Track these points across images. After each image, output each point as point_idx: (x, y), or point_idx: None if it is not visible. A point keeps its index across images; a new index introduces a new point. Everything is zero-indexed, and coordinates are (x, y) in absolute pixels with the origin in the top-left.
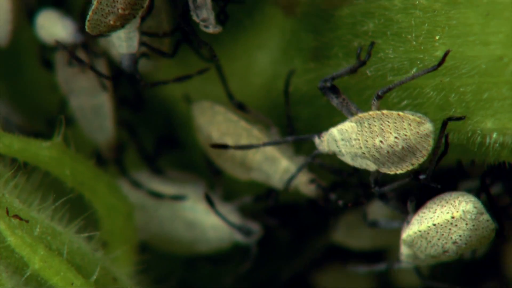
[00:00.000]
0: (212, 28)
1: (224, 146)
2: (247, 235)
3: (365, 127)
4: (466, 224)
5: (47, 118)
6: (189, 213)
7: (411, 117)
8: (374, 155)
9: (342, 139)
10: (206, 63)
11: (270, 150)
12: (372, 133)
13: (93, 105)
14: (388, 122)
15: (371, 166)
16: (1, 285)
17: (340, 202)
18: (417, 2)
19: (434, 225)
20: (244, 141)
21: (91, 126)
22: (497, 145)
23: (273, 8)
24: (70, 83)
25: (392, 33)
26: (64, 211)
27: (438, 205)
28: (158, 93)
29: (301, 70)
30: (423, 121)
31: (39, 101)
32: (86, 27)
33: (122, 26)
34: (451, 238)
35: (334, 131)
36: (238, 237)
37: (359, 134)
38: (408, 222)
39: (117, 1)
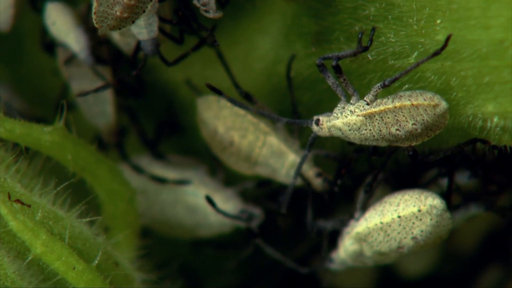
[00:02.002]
0: (212, 13)
1: (218, 92)
2: (249, 220)
3: (376, 119)
4: (431, 219)
5: (49, 103)
6: (191, 198)
7: (425, 103)
8: (389, 139)
9: (350, 130)
10: (207, 48)
11: (277, 144)
12: (386, 124)
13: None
14: (403, 113)
15: (383, 144)
16: (3, 270)
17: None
18: None
19: (399, 217)
20: (251, 135)
21: (92, 111)
22: (498, 129)
23: None
24: (71, 67)
25: (393, 17)
26: (65, 196)
27: (400, 200)
28: (159, 78)
29: (302, 55)
30: (437, 102)
31: (41, 86)
32: (94, 20)
33: (132, 20)
34: (412, 232)
35: (339, 123)
36: (240, 223)
37: (369, 125)
38: (356, 218)
39: (116, 4)
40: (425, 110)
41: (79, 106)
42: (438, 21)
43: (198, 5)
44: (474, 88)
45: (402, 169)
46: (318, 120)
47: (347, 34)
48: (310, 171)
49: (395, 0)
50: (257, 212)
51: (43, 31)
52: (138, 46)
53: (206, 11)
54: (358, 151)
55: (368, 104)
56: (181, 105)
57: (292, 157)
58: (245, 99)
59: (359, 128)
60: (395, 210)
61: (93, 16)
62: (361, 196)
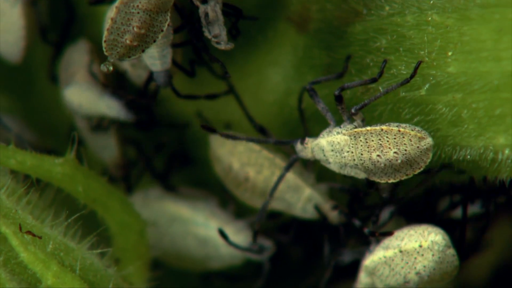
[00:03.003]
0: (224, 45)
1: (213, 130)
2: (260, 252)
3: (361, 141)
4: (433, 255)
5: (60, 135)
6: (201, 230)
7: (412, 132)
8: (368, 167)
9: (332, 150)
10: (218, 80)
11: (293, 179)
12: (369, 148)
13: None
14: (388, 137)
15: (361, 175)
16: None
17: (366, 230)
18: (429, 19)
19: (401, 251)
20: (266, 171)
21: (96, 144)
22: (510, 161)
23: (286, 24)
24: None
25: (404, 49)
26: (76, 227)
27: (406, 234)
28: (170, 109)
29: (314, 87)
30: (423, 136)
31: (52, 118)
32: (104, 48)
33: (142, 49)
34: (415, 268)
35: (323, 142)
36: (251, 255)
37: (352, 147)
38: (371, 251)
39: (132, 19)
40: (410, 140)
41: (85, 140)
42: (450, 53)
43: (209, 36)
44: (485, 120)
45: (414, 202)
46: (304, 139)
47: (358, 66)
48: (326, 205)
49: (406, 32)
50: (268, 244)
51: (53, 63)
52: (150, 77)
53: (218, 42)
54: (369, 185)
55: (356, 127)
56: (192, 137)
57: (308, 191)
58: (259, 132)
59: (342, 150)
60: (398, 245)
61: (103, 44)
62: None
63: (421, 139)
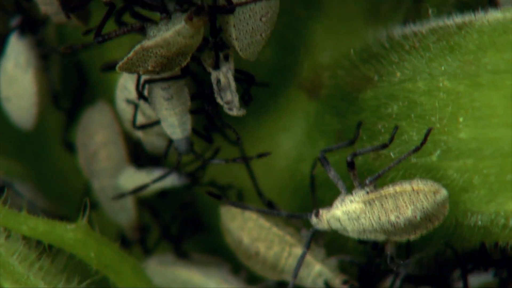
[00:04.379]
0: (236, 111)
1: (218, 197)
2: None
3: (376, 206)
4: None
5: (72, 201)
6: None
7: (426, 188)
8: (388, 229)
9: (349, 219)
10: (230, 145)
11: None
12: (385, 211)
13: (113, 186)
14: (403, 197)
15: (381, 237)
16: None
17: None
18: (441, 85)
19: None
20: (276, 247)
21: (113, 207)
22: None
23: (297, 90)
24: (91, 165)
25: (416, 115)
26: None
27: None
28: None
29: (325, 154)
30: (438, 189)
31: (64, 185)
32: (118, 67)
33: (157, 72)
34: None
35: (338, 212)
36: None
37: (369, 213)
38: None
39: (148, 60)
40: (425, 196)
41: (101, 203)
42: (461, 119)
43: (221, 102)
44: (496, 186)
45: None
46: (317, 212)
47: (370, 133)
48: (336, 279)
49: (417, 99)
50: None
51: (66, 130)
52: (170, 145)
53: (230, 108)
54: (379, 254)
55: (368, 193)
56: (204, 203)
57: (318, 267)
58: (267, 207)
59: (358, 217)
60: None
61: (119, 65)
62: None
63: (436, 192)
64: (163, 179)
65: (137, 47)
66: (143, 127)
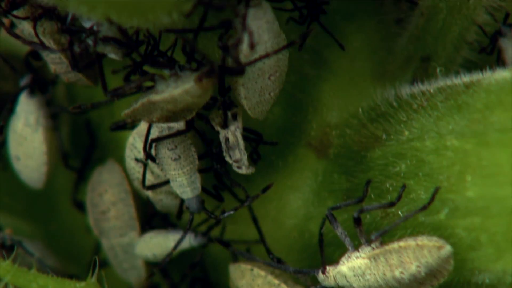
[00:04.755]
0: (245, 169)
1: (227, 245)
2: None
3: (381, 261)
4: None
5: (82, 260)
6: None
7: (430, 243)
8: (393, 285)
9: (354, 275)
10: (238, 203)
11: None
12: (390, 266)
13: (123, 244)
14: (407, 253)
15: None
16: None
17: None
18: (448, 143)
19: None
20: None
21: (122, 266)
22: None
23: (306, 149)
24: (100, 223)
25: (424, 174)
26: None
27: None
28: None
29: (333, 212)
30: (442, 244)
31: (73, 243)
32: (123, 114)
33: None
34: None
35: (343, 269)
36: None
37: (374, 269)
38: None
39: (154, 112)
40: (430, 251)
41: (111, 261)
42: (468, 178)
43: (230, 161)
44: (504, 244)
45: None
46: (324, 268)
47: (378, 191)
48: None
49: (425, 157)
50: None
51: (76, 189)
52: (182, 205)
53: (239, 167)
54: None
55: (373, 249)
56: (212, 261)
57: None
58: (277, 264)
59: (364, 273)
60: None
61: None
62: None
63: (440, 248)
64: (181, 243)
65: (145, 99)
66: (152, 187)
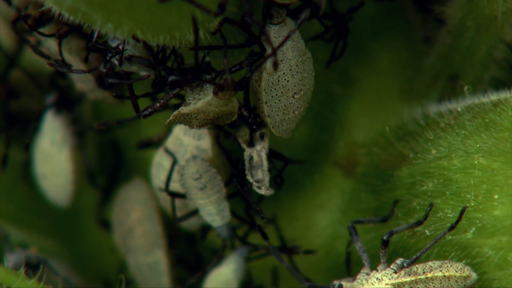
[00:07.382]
0: (264, 190)
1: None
2: None
3: None
4: None
5: (107, 279)
6: None
7: (457, 274)
8: None
9: None
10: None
11: None
12: None
13: (149, 263)
14: (434, 283)
15: None
16: None
17: None
18: (476, 162)
19: None
20: None
21: (148, 284)
22: None
23: (333, 168)
24: (126, 241)
25: (451, 192)
26: None
27: None
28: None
29: (360, 231)
30: (468, 274)
31: (100, 262)
32: (166, 122)
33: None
34: None
35: None
36: None
37: None
38: None
39: (192, 121)
40: (456, 281)
41: (136, 280)
42: (496, 197)
43: (251, 180)
44: None
45: None
46: (341, 285)
47: (405, 210)
48: None
49: (453, 176)
50: None
51: (102, 208)
52: (206, 231)
53: (259, 187)
54: None
55: (395, 272)
56: None
57: None
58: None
59: None
60: None
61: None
62: None
63: (466, 278)
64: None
65: (176, 112)
66: (184, 218)
